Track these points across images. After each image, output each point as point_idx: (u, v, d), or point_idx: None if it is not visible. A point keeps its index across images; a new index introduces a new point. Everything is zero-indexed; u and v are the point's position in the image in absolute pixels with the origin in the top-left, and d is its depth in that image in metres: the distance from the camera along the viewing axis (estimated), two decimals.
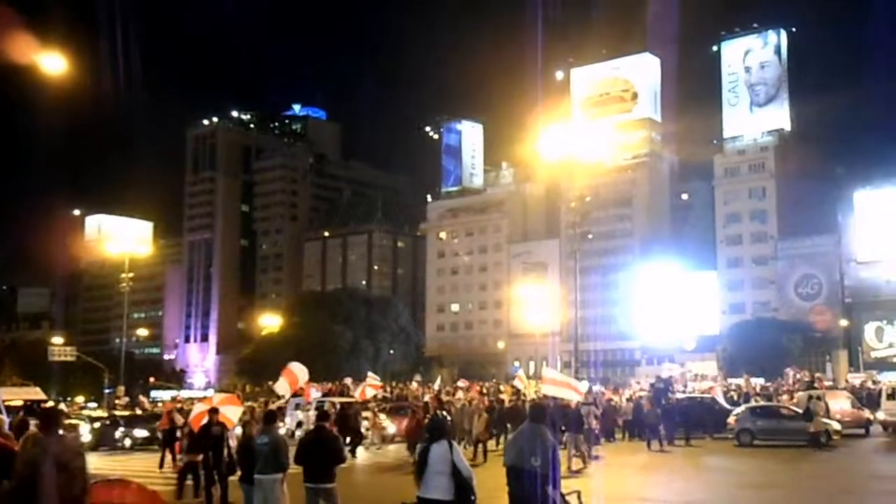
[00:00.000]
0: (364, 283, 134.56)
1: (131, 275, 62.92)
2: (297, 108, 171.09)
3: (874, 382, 46.02)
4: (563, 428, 22.56)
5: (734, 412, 30.97)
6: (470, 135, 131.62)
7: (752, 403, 33.86)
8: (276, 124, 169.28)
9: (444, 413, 23.55)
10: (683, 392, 40.28)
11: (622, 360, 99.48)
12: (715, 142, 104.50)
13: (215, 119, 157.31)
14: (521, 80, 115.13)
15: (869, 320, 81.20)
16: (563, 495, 9.24)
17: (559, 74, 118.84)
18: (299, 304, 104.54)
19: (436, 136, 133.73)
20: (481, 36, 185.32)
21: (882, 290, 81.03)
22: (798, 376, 45.48)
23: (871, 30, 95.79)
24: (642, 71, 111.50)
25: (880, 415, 32.54)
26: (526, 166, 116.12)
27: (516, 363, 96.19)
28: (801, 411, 29.60)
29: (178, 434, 22.03)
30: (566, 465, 20.53)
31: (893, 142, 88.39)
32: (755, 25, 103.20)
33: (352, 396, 35.10)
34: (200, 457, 16.11)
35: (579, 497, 10.17)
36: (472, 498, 8.65)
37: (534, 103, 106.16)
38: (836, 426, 28.95)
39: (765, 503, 17.11)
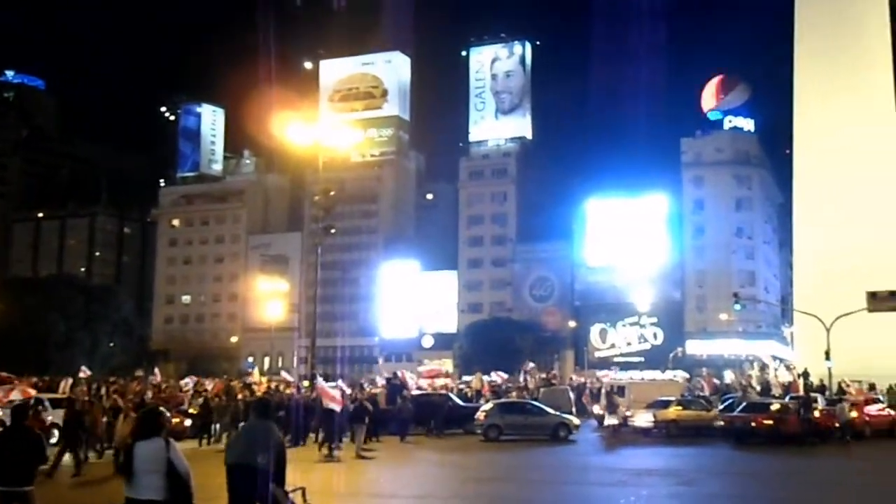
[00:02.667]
0: (84, 270, 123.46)
1: None
2: (10, 74, 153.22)
3: (596, 380, 48.23)
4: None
5: (483, 408, 31.42)
6: (210, 119, 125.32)
7: (503, 399, 34.67)
8: None
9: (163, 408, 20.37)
10: (418, 389, 39.98)
11: (362, 356, 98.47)
12: (461, 145, 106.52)
13: None
14: (267, 68, 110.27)
15: (595, 322, 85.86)
16: (286, 493, 9.12)
17: (307, 65, 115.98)
18: (4, 291, 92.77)
19: (172, 118, 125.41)
20: (226, 17, 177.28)
21: (607, 295, 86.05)
22: (528, 374, 45.82)
23: (601, 51, 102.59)
24: (392, 69, 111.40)
25: (597, 409, 34.49)
26: (269, 156, 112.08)
27: (250, 358, 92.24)
28: (545, 407, 31.20)
29: None
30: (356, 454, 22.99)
31: (621, 155, 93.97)
32: (503, 35, 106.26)
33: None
34: None
35: (304, 494, 10.07)
36: (189, 495, 8.32)
37: (279, 92, 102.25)
38: (576, 421, 30.66)
39: (484, 496, 17.65)
